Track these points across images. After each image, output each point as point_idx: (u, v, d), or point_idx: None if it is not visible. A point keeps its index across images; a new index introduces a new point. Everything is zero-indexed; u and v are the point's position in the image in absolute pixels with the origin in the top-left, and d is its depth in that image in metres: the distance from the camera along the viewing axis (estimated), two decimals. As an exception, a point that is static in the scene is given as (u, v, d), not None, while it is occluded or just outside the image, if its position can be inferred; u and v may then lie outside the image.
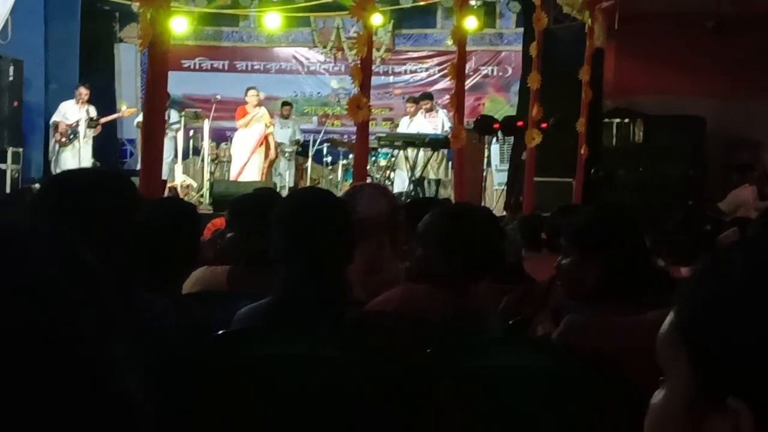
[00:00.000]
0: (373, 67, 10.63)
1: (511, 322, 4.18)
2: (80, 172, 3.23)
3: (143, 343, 2.21)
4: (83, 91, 16.99)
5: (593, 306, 3.40)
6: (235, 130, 18.02)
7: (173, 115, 16.70)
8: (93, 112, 16.99)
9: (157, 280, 3.60)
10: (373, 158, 16.05)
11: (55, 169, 16.31)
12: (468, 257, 3.70)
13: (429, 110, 17.04)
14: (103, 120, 17.17)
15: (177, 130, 17.03)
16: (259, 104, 17.09)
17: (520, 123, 14.81)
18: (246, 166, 16.88)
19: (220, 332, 3.32)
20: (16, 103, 17.46)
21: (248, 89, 17.21)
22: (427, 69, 21.07)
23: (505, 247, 4.31)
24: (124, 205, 2.83)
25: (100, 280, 1.02)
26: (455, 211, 3.96)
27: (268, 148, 17.06)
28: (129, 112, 17.74)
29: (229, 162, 17.84)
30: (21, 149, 17.27)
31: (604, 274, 3.38)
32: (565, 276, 3.51)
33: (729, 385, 1.12)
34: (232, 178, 16.87)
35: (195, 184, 17.22)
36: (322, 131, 18.86)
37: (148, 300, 3.07)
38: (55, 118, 17.03)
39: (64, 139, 16.74)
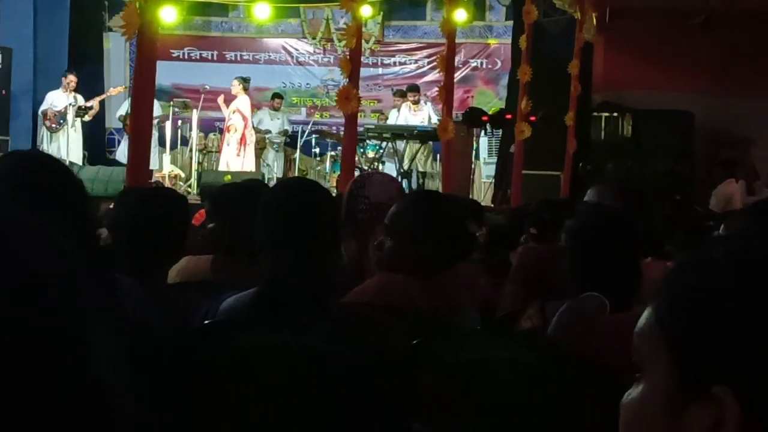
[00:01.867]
0: (362, 58, 10.63)
1: (499, 315, 4.19)
2: (31, 154, 3.19)
3: (123, 331, 2.21)
4: (71, 79, 16.94)
5: (577, 300, 3.42)
6: (223, 120, 18.05)
7: (156, 109, 16.63)
8: (80, 100, 16.94)
9: (144, 270, 3.61)
10: (362, 150, 16.06)
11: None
12: (437, 244, 3.70)
13: (415, 103, 17.05)
14: (90, 103, 17.09)
15: (159, 122, 16.99)
16: (237, 94, 17.14)
17: (508, 116, 14.83)
18: (222, 152, 17.13)
19: (207, 322, 3.32)
20: (3, 92, 17.41)
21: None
22: (416, 61, 21.06)
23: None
24: (82, 189, 2.79)
25: (82, 269, 1.02)
26: (421, 200, 3.96)
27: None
28: (116, 91, 17.71)
29: (217, 152, 17.95)
30: (8, 138, 17.23)
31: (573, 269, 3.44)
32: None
33: (712, 375, 1.13)
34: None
35: (183, 174, 17.21)
36: (311, 122, 18.86)
37: (128, 287, 3.07)
38: (42, 107, 16.98)
39: (54, 125, 16.69)
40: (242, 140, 17.12)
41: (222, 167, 16.77)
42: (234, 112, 17.07)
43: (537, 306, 3.73)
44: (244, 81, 17.30)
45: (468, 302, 3.93)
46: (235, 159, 16.92)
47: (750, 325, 1.13)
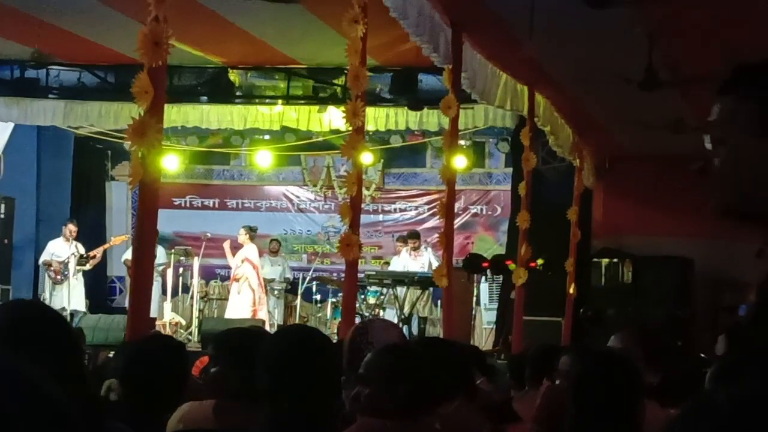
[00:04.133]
0: (363, 205, 10.68)
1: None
2: (22, 303, 3.21)
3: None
4: (71, 228, 17.01)
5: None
6: (224, 267, 18.13)
7: (160, 255, 16.68)
8: (81, 249, 16.99)
9: (141, 419, 3.59)
10: (362, 296, 16.06)
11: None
12: (412, 389, 3.69)
13: (415, 249, 17.11)
14: (93, 252, 17.15)
15: (163, 270, 17.07)
16: (244, 243, 17.22)
17: (508, 261, 14.85)
18: (229, 301, 17.17)
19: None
20: (5, 241, 17.50)
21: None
22: (416, 207, 21.18)
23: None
24: (71, 337, 2.79)
25: (67, 415, 1.02)
26: (394, 348, 3.97)
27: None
28: (119, 240, 17.77)
29: (219, 299, 18.03)
30: (10, 287, 17.25)
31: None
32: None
33: None
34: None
35: (184, 322, 17.19)
36: (312, 269, 18.90)
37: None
38: (44, 257, 17.00)
39: (59, 277, 16.69)
40: (262, 288, 17.26)
41: (228, 315, 16.74)
42: (243, 261, 17.14)
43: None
44: (251, 230, 17.40)
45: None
46: (249, 308, 16.93)
47: None
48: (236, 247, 17.43)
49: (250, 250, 17.27)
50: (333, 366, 3.48)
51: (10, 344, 2.63)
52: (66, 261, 16.70)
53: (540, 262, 14.47)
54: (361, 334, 4.39)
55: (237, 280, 17.12)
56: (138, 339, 4.89)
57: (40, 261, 17.19)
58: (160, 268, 16.81)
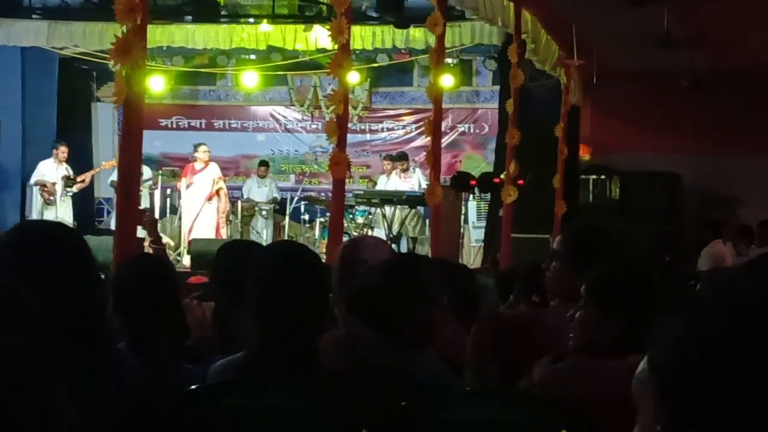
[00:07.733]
0: (350, 124, 10.65)
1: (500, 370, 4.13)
2: (31, 224, 3.19)
3: (104, 392, 2.18)
4: (62, 149, 16.95)
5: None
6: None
7: (145, 172, 16.58)
8: (70, 171, 16.95)
9: (138, 337, 3.60)
10: (351, 216, 16.07)
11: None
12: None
13: (404, 170, 17.09)
14: (82, 177, 17.12)
15: (150, 186, 17.04)
16: (208, 161, 17.13)
17: (496, 180, 14.83)
18: (197, 219, 16.97)
19: (195, 386, 3.30)
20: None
21: (198, 145, 17.28)
22: (404, 126, 21.13)
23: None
24: (76, 256, 2.74)
25: (43, 328, 1.01)
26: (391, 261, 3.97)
27: (219, 202, 17.19)
28: (108, 165, 17.70)
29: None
30: (-2, 208, 17.25)
31: (622, 331, 3.37)
32: (583, 330, 3.48)
33: (690, 422, 1.15)
34: (184, 232, 16.94)
35: (172, 243, 17.18)
36: (300, 189, 18.88)
37: (119, 354, 3.05)
38: (35, 178, 16.96)
39: (51, 198, 16.68)
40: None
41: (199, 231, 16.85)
42: (221, 179, 17.22)
43: (550, 359, 3.67)
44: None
45: (428, 352, 3.86)
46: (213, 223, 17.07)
47: (731, 382, 1.13)
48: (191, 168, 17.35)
49: (216, 167, 17.36)
50: (322, 282, 3.47)
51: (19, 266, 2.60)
52: (56, 182, 16.69)
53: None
54: (353, 252, 4.36)
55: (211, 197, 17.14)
56: (125, 260, 4.86)
57: (32, 181, 17.14)
58: (147, 184, 16.76)
